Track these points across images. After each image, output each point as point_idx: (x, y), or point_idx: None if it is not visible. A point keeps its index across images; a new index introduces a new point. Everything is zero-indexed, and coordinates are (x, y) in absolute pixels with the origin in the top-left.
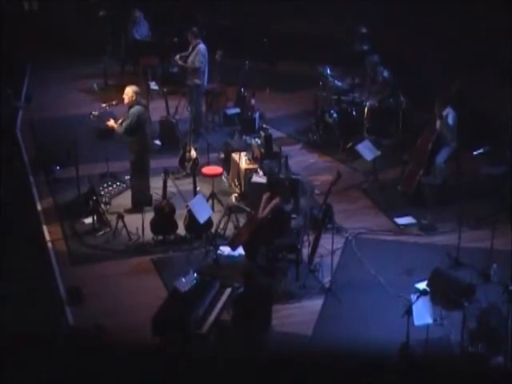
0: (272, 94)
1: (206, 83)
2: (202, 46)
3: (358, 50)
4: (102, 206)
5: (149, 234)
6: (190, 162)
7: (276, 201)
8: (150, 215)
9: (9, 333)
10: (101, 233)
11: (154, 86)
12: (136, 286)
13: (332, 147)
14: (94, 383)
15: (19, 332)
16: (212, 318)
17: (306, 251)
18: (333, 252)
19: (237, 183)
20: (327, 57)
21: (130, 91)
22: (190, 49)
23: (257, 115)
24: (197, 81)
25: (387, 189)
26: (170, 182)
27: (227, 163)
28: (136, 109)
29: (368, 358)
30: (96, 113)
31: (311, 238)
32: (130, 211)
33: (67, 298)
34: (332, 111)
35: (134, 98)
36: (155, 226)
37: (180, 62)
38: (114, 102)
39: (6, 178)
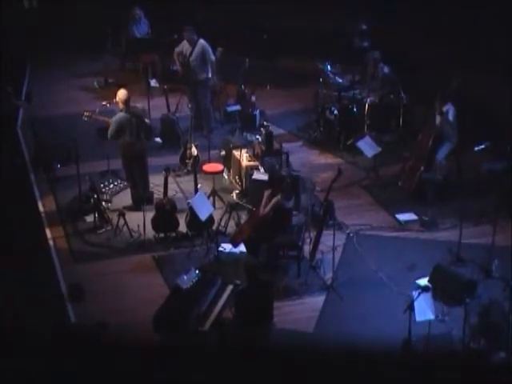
0: (272, 90)
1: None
2: (203, 41)
3: (357, 47)
4: (103, 203)
5: (150, 232)
6: (191, 160)
7: (277, 198)
8: (151, 213)
9: (10, 331)
10: (102, 230)
11: (154, 83)
12: (137, 283)
13: (333, 144)
14: (96, 380)
15: (21, 330)
16: (214, 315)
17: (307, 248)
18: (334, 249)
19: (238, 180)
20: (327, 53)
21: (117, 99)
22: (188, 45)
23: (257, 112)
24: (206, 75)
25: (388, 185)
26: (171, 180)
27: (228, 160)
28: (117, 116)
29: (370, 354)
30: (88, 113)
31: (312, 234)
32: (131, 209)
33: (69, 296)
34: (333, 108)
35: (120, 106)
36: (156, 223)
37: (192, 63)
38: (114, 100)
39: (7, 176)
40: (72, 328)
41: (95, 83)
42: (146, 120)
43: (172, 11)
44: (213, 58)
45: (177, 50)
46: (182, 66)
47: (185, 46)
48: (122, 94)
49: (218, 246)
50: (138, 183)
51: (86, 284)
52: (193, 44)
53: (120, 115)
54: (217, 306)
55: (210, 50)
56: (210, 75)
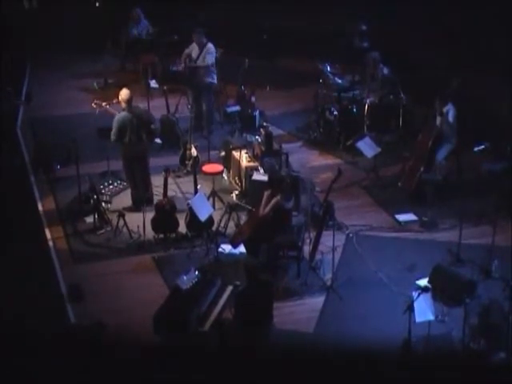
0: (272, 91)
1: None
2: (211, 45)
3: (357, 47)
4: (103, 204)
5: (150, 232)
6: (191, 160)
7: (277, 199)
8: (151, 213)
9: (10, 331)
10: (102, 231)
11: (154, 84)
12: (137, 283)
13: (332, 144)
14: (96, 381)
15: (21, 330)
16: (213, 315)
17: (307, 248)
18: (334, 249)
19: (237, 181)
20: (327, 54)
21: (120, 98)
22: (197, 48)
23: (257, 113)
24: (211, 80)
25: (388, 186)
26: (170, 180)
27: (228, 161)
28: (120, 116)
29: (370, 354)
30: (98, 102)
31: (312, 235)
32: (130, 210)
33: (68, 296)
34: (332, 108)
35: (122, 106)
36: (156, 224)
37: (193, 64)
38: (114, 101)
39: (7, 176)
40: (71, 328)
41: (95, 84)
42: (152, 126)
43: (172, 12)
44: (209, 62)
45: (186, 51)
46: (188, 68)
47: (194, 48)
48: (124, 93)
49: (218, 246)
50: (138, 184)
51: (86, 284)
52: (201, 47)
53: (122, 115)
54: (217, 306)
55: (212, 54)
56: (215, 80)
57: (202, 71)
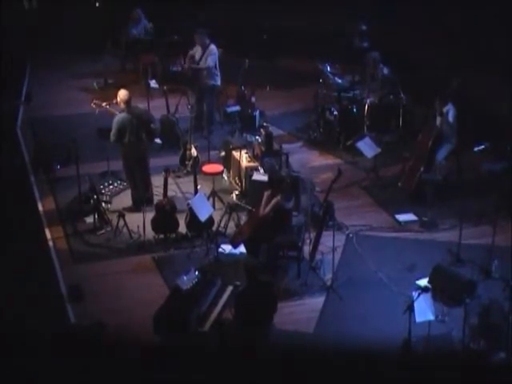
0: (272, 91)
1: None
2: (213, 46)
3: (357, 47)
4: (103, 204)
5: (150, 233)
6: (191, 161)
7: (277, 199)
8: (151, 214)
9: (10, 331)
10: (102, 231)
11: (154, 84)
12: (137, 284)
13: (332, 144)
14: (95, 381)
15: (20, 330)
16: (213, 315)
17: (307, 249)
18: (334, 249)
19: (237, 181)
20: (327, 54)
21: (118, 99)
22: (200, 50)
23: (257, 113)
24: (213, 82)
25: (388, 186)
26: (170, 180)
27: (228, 161)
28: (119, 116)
29: (370, 354)
30: (97, 102)
31: (312, 235)
32: (130, 210)
33: (68, 296)
34: (332, 108)
35: (121, 106)
36: (156, 224)
37: (195, 66)
38: (114, 101)
39: (7, 176)
40: (71, 328)
41: (95, 84)
42: (152, 125)
43: (172, 12)
44: (211, 64)
45: (190, 52)
46: (191, 70)
47: (198, 50)
48: (123, 94)
49: (218, 246)
50: (138, 184)
51: (86, 284)
52: (204, 48)
53: (121, 115)
54: (217, 306)
55: (214, 56)
56: (218, 82)
57: (205, 73)
